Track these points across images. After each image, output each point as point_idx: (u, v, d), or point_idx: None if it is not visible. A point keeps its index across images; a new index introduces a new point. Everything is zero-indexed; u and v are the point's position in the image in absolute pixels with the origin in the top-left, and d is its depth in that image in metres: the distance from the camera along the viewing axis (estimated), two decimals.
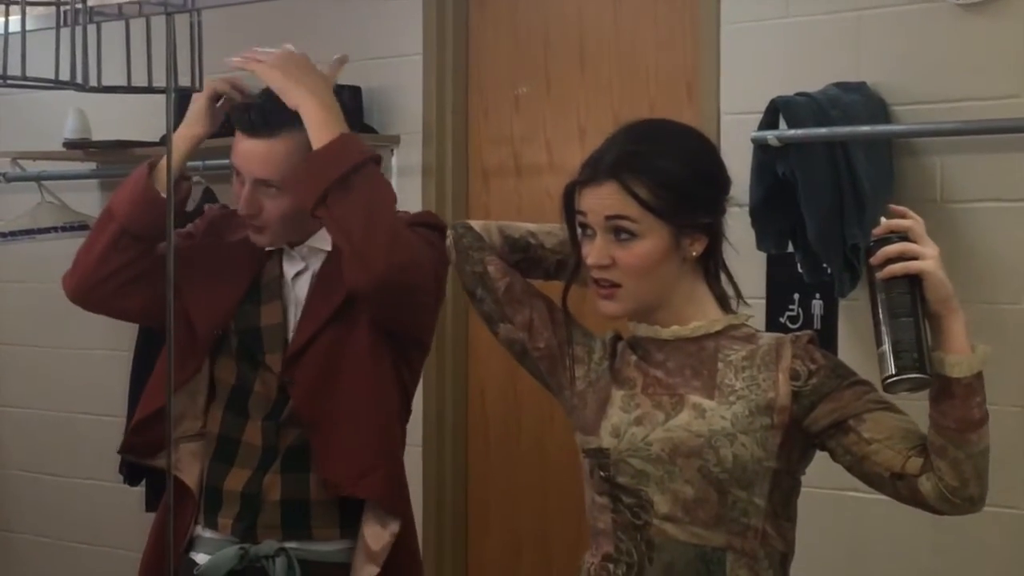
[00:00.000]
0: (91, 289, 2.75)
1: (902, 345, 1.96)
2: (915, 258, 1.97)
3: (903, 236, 1.99)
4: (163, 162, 2.72)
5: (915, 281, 1.97)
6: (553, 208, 2.22)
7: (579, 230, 2.15)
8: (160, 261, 2.76)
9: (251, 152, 2.68)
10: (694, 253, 2.13)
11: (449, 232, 2.31)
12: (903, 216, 2.01)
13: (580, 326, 2.25)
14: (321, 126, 2.60)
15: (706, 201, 2.14)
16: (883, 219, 2.02)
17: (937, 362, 1.97)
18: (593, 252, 2.11)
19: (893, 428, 2.04)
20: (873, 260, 2.00)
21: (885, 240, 2.00)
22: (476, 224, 2.30)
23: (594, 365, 2.22)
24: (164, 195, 2.71)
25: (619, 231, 2.10)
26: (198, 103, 2.75)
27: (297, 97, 2.61)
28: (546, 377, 2.26)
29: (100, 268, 2.73)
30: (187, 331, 2.75)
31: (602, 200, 2.10)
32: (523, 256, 2.29)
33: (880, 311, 1.98)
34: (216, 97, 2.74)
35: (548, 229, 2.30)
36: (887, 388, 1.99)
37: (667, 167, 2.10)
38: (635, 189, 2.08)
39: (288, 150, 2.65)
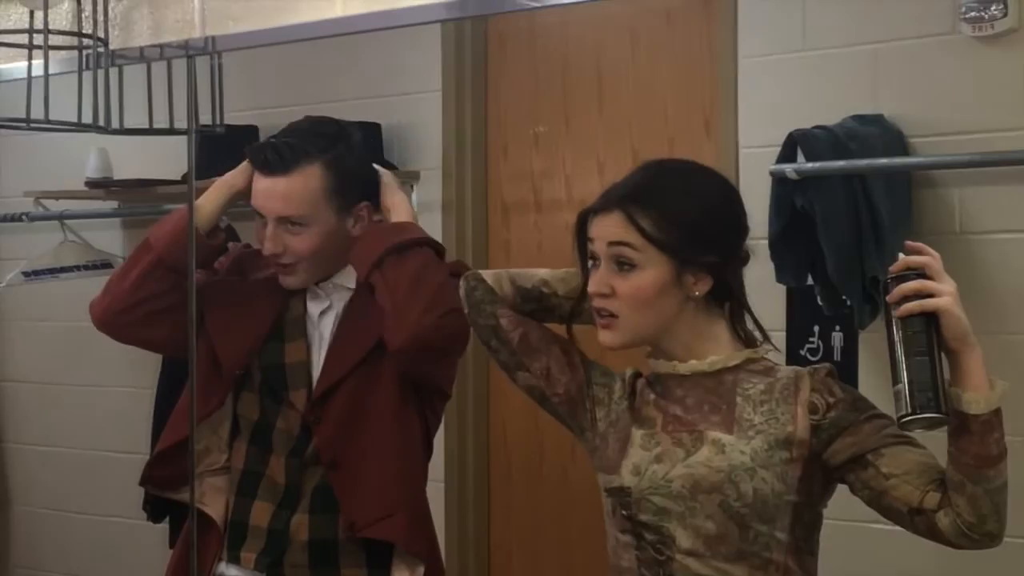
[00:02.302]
0: (119, 315, 2.76)
1: (918, 384, 1.96)
2: (931, 295, 1.97)
3: (920, 272, 1.99)
4: (203, 201, 2.75)
5: (932, 318, 1.97)
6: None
7: (590, 262, 2.17)
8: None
9: (270, 191, 2.69)
10: (697, 292, 2.14)
11: (461, 283, 2.31)
12: (920, 252, 2.01)
13: (599, 366, 2.26)
14: (400, 217, 2.72)
15: (713, 241, 2.14)
16: (900, 255, 2.03)
17: (954, 398, 1.97)
18: (594, 281, 2.14)
19: (911, 463, 2.04)
20: (889, 298, 2.00)
21: (902, 277, 2.00)
22: (488, 275, 2.31)
23: (614, 405, 2.23)
24: (203, 233, 2.74)
25: (620, 260, 2.12)
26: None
27: (393, 197, 2.75)
28: (567, 420, 2.27)
29: (131, 295, 2.74)
30: (211, 366, 2.76)
31: (607, 228, 2.13)
32: (537, 306, 2.30)
33: (897, 348, 1.98)
34: None
35: (561, 275, 2.30)
36: (903, 427, 1.99)
37: (675, 203, 2.12)
38: (639, 220, 2.10)
39: (306, 184, 2.67)
